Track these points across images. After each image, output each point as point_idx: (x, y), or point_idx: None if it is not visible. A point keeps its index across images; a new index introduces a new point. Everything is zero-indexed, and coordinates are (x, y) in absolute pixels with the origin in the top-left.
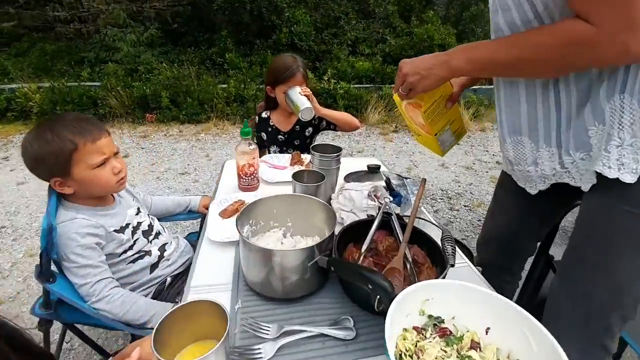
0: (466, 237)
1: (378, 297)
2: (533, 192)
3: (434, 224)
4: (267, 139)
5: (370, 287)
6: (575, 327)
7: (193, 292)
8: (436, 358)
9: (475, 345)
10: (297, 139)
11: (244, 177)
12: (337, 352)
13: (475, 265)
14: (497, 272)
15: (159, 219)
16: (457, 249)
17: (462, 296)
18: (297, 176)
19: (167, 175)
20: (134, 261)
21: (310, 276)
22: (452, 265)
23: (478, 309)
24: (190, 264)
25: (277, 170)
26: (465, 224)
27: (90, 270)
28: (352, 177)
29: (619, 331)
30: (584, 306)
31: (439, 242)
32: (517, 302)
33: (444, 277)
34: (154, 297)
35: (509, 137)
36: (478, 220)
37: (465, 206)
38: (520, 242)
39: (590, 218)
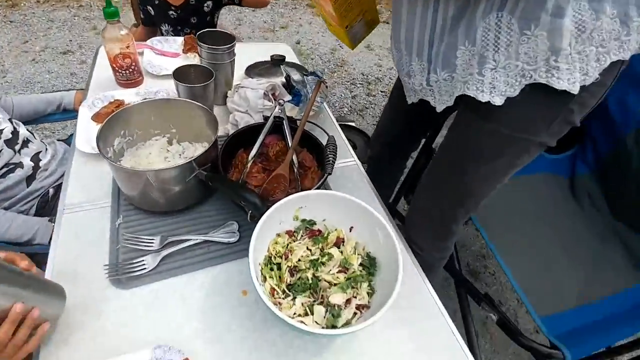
0: (376, 123)
1: (250, 211)
2: (409, 101)
3: (321, 128)
4: (156, 15)
5: (243, 203)
6: (430, 215)
7: (68, 212)
8: (302, 257)
9: (340, 241)
10: (194, 16)
11: (119, 70)
12: (220, 255)
13: (368, 160)
14: (385, 166)
15: (27, 123)
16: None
17: (330, 202)
18: (180, 74)
19: (44, 55)
20: (3, 176)
21: (192, 189)
22: (329, 174)
23: (343, 212)
24: None
25: (167, 58)
26: (379, 110)
27: None
28: (253, 70)
29: (462, 219)
30: (438, 198)
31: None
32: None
33: (321, 184)
34: (37, 211)
35: (392, 44)
36: None
37: (382, 92)
38: (405, 139)
39: (457, 129)
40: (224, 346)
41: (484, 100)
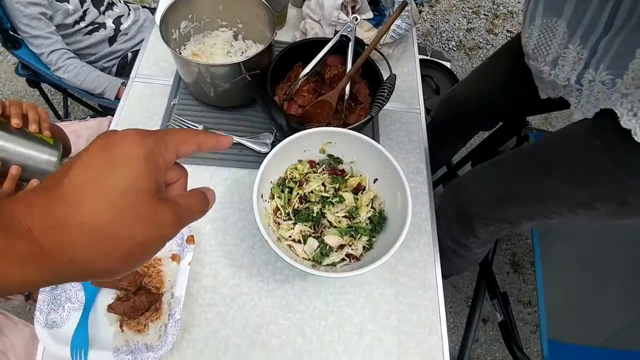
0: None
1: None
2: (542, 95)
3: (387, 62)
4: None
5: (270, 120)
6: (473, 203)
7: (137, 81)
8: (314, 189)
9: (359, 188)
10: None
11: None
12: (249, 160)
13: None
14: (447, 132)
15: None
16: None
17: (360, 147)
18: None
19: None
20: (89, 33)
21: (239, 90)
22: (372, 117)
23: (372, 161)
24: None
25: None
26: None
27: (42, 41)
28: None
29: (514, 220)
30: (505, 185)
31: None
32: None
33: (362, 124)
34: (118, 70)
35: (540, 17)
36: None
37: (508, 32)
38: (486, 117)
39: (574, 138)
40: (225, 238)
41: (625, 126)
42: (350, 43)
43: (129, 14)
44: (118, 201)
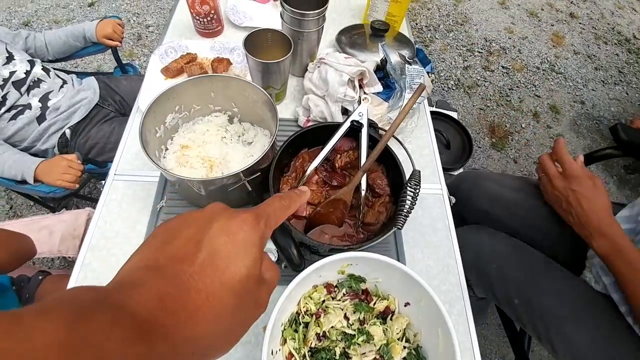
0: (484, 108)
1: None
2: None
3: (409, 156)
4: None
5: (276, 249)
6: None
7: (117, 179)
8: (333, 327)
9: (388, 312)
10: None
11: (197, 17)
12: None
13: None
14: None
15: (63, 59)
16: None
17: (387, 269)
18: (251, 42)
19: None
20: (14, 117)
21: (237, 194)
22: (399, 229)
23: (402, 285)
24: (96, 105)
25: (254, 3)
26: (492, 91)
27: None
28: (345, 36)
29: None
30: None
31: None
32: None
33: (383, 238)
34: (60, 150)
35: None
36: (509, 89)
37: (503, 67)
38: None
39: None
40: None
41: None
42: (362, 130)
43: (60, 87)
44: (239, 290)
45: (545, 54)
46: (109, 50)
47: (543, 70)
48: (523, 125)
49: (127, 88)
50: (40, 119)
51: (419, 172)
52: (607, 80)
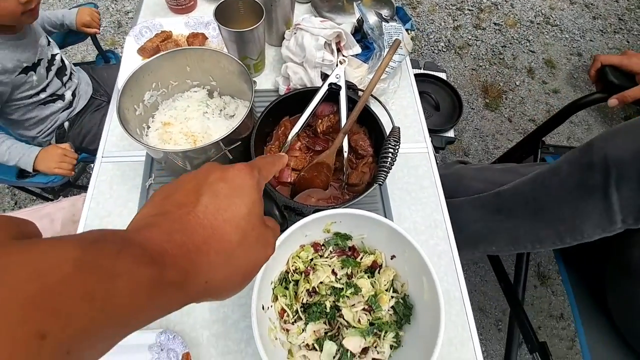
0: (476, 68)
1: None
2: None
3: (388, 113)
4: None
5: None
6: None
7: (105, 161)
8: (322, 282)
9: (375, 266)
10: None
11: None
12: None
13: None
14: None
15: None
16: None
17: (370, 224)
18: (224, 11)
19: None
20: (45, 103)
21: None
22: (379, 184)
23: (386, 237)
24: (90, 99)
25: None
26: (484, 50)
27: None
28: (322, 1)
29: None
30: None
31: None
32: None
33: (365, 194)
34: (57, 141)
35: None
36: (502, 46)
37: (495, 24)
38: None
39: None
40: (226, 345)
41: None
42: (341, 92)
43: (79, 82)
44: (242, 226)
45: (540, 6)
46: (89, 40)
47: (537, 24)
48: (517, 83)
49: (112, 77)
50: (64, 110)
51: (399, 128)
52: (606, 29)
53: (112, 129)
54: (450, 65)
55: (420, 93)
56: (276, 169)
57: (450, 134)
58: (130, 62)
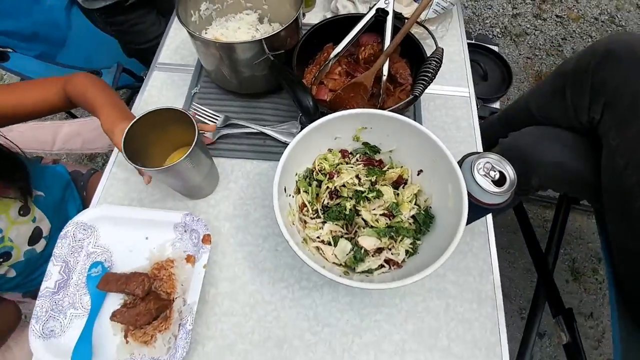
0: (532, 57)
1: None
2: None
3: (432, 37)
4: None
5: (295, 102)
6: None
7: (158, 70)
8: (347, 182)
9: (400, 182)
10: None
11: None
12: (274, 152)
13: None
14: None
15: None
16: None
17: (400, 132)
18: None
19: None
20: None
21: (263, 76)
22: (416, 96)
23: (415, 148)
24: None
25: None
26: (542, 40)
27: None
28: None
29: None
30: None
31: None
32: None
33: (404, 107)
34: None
35: None
36: (562, 39)
37: (557, 16)
38: None
39: None
40: (245, 237)
41: None
42: (388, 17)
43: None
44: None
45: (606, 5)
46: None
47: (602, 21)
48: None
49: None
50: None
51: (442, 49)
52: None
53: (167, 43)
54: (504, 51)
55: (470, 61)
56: None
57: (496, 105)
58: None
